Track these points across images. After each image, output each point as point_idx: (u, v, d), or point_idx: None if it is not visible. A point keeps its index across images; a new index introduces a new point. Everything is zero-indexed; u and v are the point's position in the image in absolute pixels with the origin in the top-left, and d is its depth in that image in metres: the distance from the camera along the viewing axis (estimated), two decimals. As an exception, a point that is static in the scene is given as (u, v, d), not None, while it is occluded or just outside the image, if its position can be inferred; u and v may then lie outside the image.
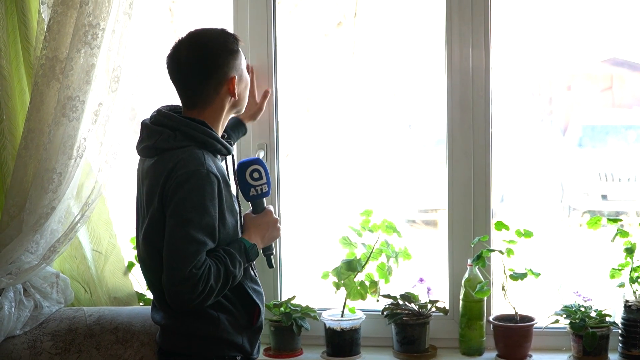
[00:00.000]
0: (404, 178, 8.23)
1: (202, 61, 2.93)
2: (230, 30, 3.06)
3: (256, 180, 3.01)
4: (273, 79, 3.82)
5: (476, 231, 3.78)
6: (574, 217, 8.59)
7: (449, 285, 3.85)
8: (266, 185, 3.03)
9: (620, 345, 3.59)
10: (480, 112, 3.76)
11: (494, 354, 3.68)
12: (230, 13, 3.85)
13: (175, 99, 3.07)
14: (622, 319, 3.58)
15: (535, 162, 8.93)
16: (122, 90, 3.50)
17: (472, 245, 3.73)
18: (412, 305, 3.73)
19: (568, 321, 3.59)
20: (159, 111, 3.00)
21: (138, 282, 3.88)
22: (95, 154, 3.55)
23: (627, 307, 3.58)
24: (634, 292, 3.59)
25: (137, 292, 3.85)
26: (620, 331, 3.59)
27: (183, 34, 3.02)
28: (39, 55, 3.50)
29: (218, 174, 2.86)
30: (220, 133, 3.02)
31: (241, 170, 3.02)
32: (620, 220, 3.68)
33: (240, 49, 3.00)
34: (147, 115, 3.06)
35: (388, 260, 3.77)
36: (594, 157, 9.05)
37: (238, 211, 3.02)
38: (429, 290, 3.75)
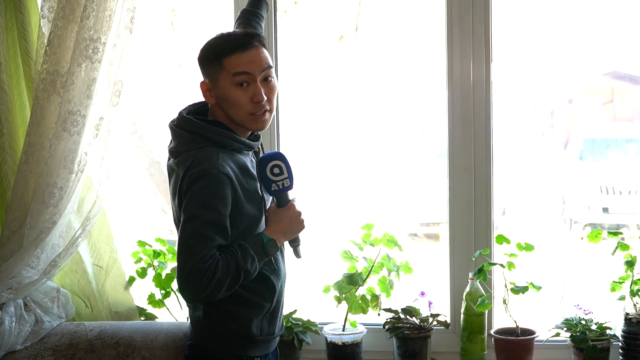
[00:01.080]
0: (406, 191, 8.22)
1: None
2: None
3: (277, 175, 2.99)
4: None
5: (477, 244, 3.78)
6: (575, 230, 8.58)
7: (450, 298, 3.85)
8: (288, 180, 3.00)
9: (621, 358, 3.59)
10: (481, 125, 3.77)
11: (495, 367, 3.68)
12: (231, 27, 3.85)
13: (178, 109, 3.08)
14: (623, 331, 3.58)
15: (537, 175, 8.93)
16: (123, 105, 3.51)
17: (473, 259, 3.73)
18: (414, 319, 3.72)
19: (569, 334, 3.59)
20: (180, 114, 3.03)
21: (139, 296, 3.88)
22: (96, 168, 3.55)
23: (628, 320, 3.57)
24: (635, 305, 3.59)
25: (138, 307, 3.86)
26: (620, 344, 3.59)
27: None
28: (39, 69, 3.50)
29: (233, 172, 2.88)
30: (247, 133, 3.03)
31: (261, 165, 3.01)
32: (621, 233, 3.68)
33: (225, 63, 2.94)
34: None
35: (389, 274, 3.78)
36: (595, 170, 9.05)
37: (263, 202, 3.02)
38: (430, 303, 3.74)
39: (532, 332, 3.67)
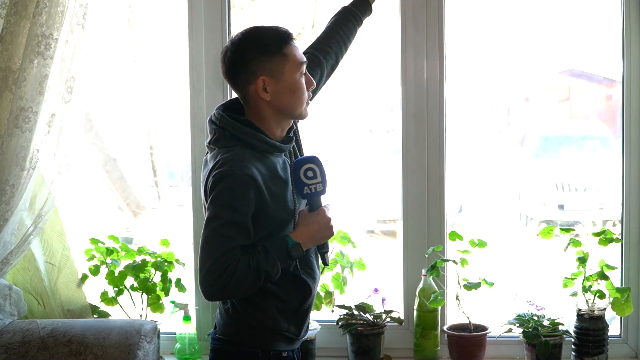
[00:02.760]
0: (363, 188, 8.23)
1: (235, 55, 2.90)
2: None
3: (310, 179, 2.96)
4: (229, 93, 3.82)
5: (430, 241, 3.80)
6: (531, 227, 8.64)
7: (403, 295, 3.87)
8: (321, 184, 2.97)
9: (574, 353, 3.63)
10: (434, 123, 3.79)
11: (448, 363, 3.70)
12: (185, 24, 3.85)
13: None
14: (575, 327, 3.62)
15: (494, 173, 8.98)
16: (75, 101, 3.49)
17: (427, 256, 3.75)
18: (367, 315, 3.74)
19: (521, 330, 3.62)
20: (217, 109, 3.00)
21: (92, 294, 3.86)
22: (48, 165, 3.54)
23: (580, 316, 3.61)
24: (587, 301, 3.62)
25: (90, 305, 3.84)
26: (573, 340, 3.62)
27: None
28: (-9, 66, 3.48)
29: (259, 173, 2.85)
30: (282, 133, 3.00)
31: (296, 168, 2.98)
32: (573, 229, 3.71)
33: (287, 53, 2.89)
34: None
35: (343, 271, 3.79)
36: (551, 167, 9.12)
37: (293, 206, 2.99)
38: (383, 300, 3.76)
39: (484, 328, 3.69)
